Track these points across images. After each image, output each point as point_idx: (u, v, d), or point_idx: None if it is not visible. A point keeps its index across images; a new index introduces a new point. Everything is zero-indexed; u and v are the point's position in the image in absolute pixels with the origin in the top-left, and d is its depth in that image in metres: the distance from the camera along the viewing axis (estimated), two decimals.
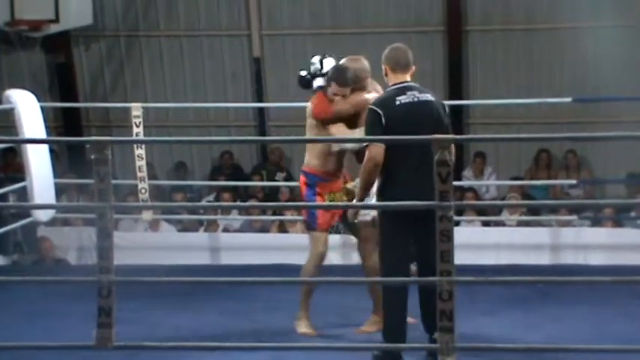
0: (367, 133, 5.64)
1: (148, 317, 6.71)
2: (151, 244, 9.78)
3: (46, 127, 8.71)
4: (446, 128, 5.58)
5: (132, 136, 8.71)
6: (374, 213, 6.05)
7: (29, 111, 8.40)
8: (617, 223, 9.96)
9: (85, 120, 13.75)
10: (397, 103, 5.59)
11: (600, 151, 12.46)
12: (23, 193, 8.49)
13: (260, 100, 13.11)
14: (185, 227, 10.81)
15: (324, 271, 6.28)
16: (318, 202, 6.24)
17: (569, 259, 8.79)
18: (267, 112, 13.17)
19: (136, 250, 9.14)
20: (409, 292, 5.57)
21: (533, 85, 12.27)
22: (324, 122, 6.23)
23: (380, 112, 5.57)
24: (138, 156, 8.81)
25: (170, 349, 5.68)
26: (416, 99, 5.63)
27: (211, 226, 10.53)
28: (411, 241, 5.60)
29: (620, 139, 11.12)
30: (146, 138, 9.76)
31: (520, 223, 10.01)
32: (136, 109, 8.76)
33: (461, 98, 12.49)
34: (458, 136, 6.53)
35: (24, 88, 8.96)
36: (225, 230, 10.54)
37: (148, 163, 9.08)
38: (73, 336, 5.50)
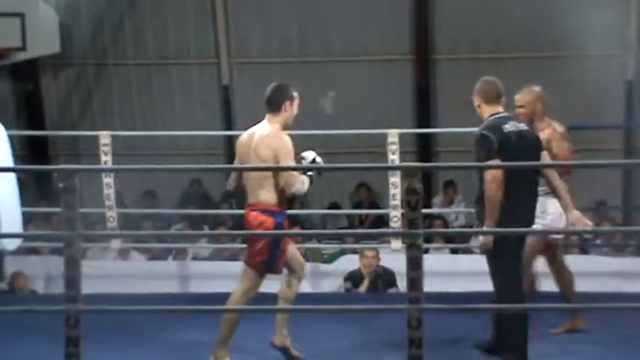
0: (481, 157, 5.84)
1: (117, 347, 6.66)
2: (119, 272, 9.74)
3: (14, 155, 8.66)
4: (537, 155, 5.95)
5: (100, 164, 8.68)
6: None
7: None
8: (584, 251, 10.04)
9: (53, 148, 13.71)
10: (504, 130, 5.87)
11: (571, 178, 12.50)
12: None
13: (229, 128, 13.11)
14: (154, 255, 10.77)
15: (302, 299, 6.26)
16: (288, 245, 6.14)
17: (539, 285, 8.81)
18: (236, 140, 13.16)
19: (105, 279, 9.08)
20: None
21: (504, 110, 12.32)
22: None
23: (492, 137, 5.81)
24: (106, 184, 8.78)
25: None
26: (518, 128, 5.94)
27: (180, 254, 10.49)
28: None
29: (591, 167, 11.18)
30: (114, 166, 9.72)
31: None
32: (105, 137, 8.74)
33: (429, 126, 12.54)
34: (425, 164, 6.59)
35: None
36: (195, 258, 10.50)
37: (116, 192, 9.05)
38: None
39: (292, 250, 6.27)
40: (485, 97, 6.07)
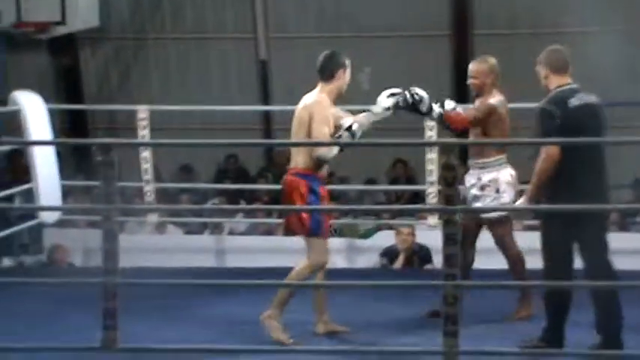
0: (542, 132, 5.57)
1: (154, 320, 6.71)
2: (156, 246, 9.79)
3: (53, 129, 8.73)
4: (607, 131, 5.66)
5: (138, 138, 8.72)
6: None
7: (36, 113, 8.42)
8: (623, 228, 9.95)
9: (92, 122, 13.77)
10: (570, 105, 5.57)
11: (608, 156, 12.41)
12: (29, 195, 8.51)
13: (266, 103, 13.11)
14: (190, 230, 10.81)
15: (338, 274, 6.27)
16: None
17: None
18: (272, 115, 13.18)
19: (142, 253, 9.13)
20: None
21: (539, 88, 12.25)
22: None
23: (554, 112, 5.55)
24: (143, 158, 8.82)
25: (176, 351, 5.69)
26: (585, 102, 5.63)
27: (217, 228, 10.53)
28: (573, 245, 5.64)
29: (627, 143, 11.08)
30: (152, 140, 9.76)
31: (526, 228, 10.00)
32: (142, 111, 8.78)
33: (466, 102, 12.47)
34: (463, 140, 6.56)
35: (30, 90, 8.98)
36: (231, 233, 10.54)
37: (153, 166, 9.09)
38: (78, 338, 5.50)
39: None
40: (553, 67, 5.73)
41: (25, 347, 5.49)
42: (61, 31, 12.69)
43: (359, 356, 5.77)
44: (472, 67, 6.68)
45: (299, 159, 6.07)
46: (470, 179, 6.66)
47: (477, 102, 6.70)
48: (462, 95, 12.71)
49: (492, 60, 6.71)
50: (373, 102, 6.45)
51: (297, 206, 5.98)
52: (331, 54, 6.22)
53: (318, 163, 6.06)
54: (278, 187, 6.56)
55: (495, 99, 6.67)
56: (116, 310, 4.77)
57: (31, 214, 9.08)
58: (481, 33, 12.82)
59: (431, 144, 6.40)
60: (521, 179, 11.41)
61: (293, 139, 6.17)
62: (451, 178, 4.65)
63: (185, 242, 10.08)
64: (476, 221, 6.65)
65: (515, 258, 6.65)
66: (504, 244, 6.67)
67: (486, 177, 6.59)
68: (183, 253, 9.42)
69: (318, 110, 6.03)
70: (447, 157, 4.69)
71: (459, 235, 4.69)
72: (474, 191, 6.63)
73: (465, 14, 12.74)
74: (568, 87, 5.68)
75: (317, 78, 6.20)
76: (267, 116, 13.28)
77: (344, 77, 6.18)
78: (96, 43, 13.62)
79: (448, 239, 4.66)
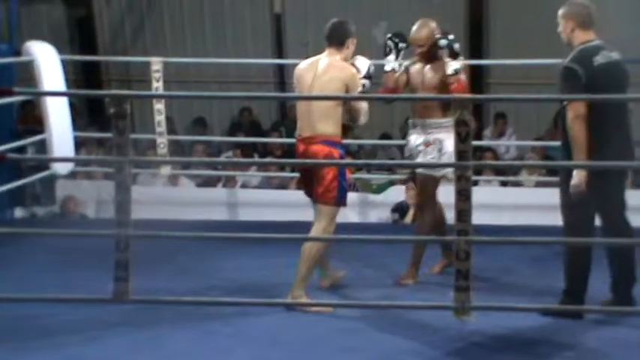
0: (566, 91, 5.42)
1: (165, 272, 6.73)
2: (169, 199, 9.81)
3: (66, 80, 8.71)
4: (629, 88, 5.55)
5: (151, 90, 8.71)
6: (445, 171, 6.25)
7: (49, 63, 8.40)
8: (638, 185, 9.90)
9: (105, 74, 13.75)
10: (595, 63, 5.45)
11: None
12: (42, 146, 8.51)
13: (280, 57, 13.07)
14: (204, 182, 10.82)
15: (342, 228, 6.27)
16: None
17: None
18: (287, 69, 13.13)
19: (154, 205, 9.15)
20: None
21: (557, 44, 12.18)
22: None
23: (579, 70, 5.41)
24: (157, 110, 8.80)
25: (187, 303, 5.71)
26: (609, 59, 5.51)
27: (230, 182, 10.53)
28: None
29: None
30: (165, 93, 9.74)
31: (539, 184, 9.98)
32: (156, 63, 8.75)
33: (481, 58, 12.42)
34: (477, 96, 6.52)
35: (44, 40, 8.95)
36: (244, 186, 10.55)
37: (167, 118, 9.08)
38: (90, 289, 5.53)
39: None
40: (579, 21, 5.55)
41: (36, 297, 5.52)
42: None
43: (371, 311, 5.79)
44: (415, 35, 6.42)
45: (325, 126, 5.94)
46: (417, 138, 6.51)
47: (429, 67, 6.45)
48: (477, 50, 12.68)
49: (432, 23, 6.44)
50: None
51: (312, 160, 5.95)
52: (341, 22, 6.13)
53: (346, 129, 6.05)
54: (291, 140, 6.53)
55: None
56: (128, 262, 4.78)
57: (43, 165, 9.09)
58: None
59: (444, 99, 6.35)
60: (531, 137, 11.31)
61: (311, 109, 5.99)
62: (464, 134, 4.63)
63: (198, 195, 10.08)
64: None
65: (427, 226, 6.50)
66: (430, 202, 6.53)
67: (432, 137, 6.44)
68: (196, 206, 9.45)
69: (352, 78, 5.98)
70: (460, 112, 4.67)
71: (470, 191, 4.67)
72: (420, 147, 6.51)
73: None
74: (593, 44, 5.56)
75: None
76: (281, 70, 13.23)
77: (352, 47, 6.12)
78: None
79: (461, 195, 4.65)
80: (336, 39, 6.08)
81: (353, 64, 6.09)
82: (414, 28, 6.47)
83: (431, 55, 6.41)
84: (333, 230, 5.99)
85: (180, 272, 6.78)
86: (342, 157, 6.02)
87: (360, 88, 6.03)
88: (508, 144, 11.88)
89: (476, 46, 12.71)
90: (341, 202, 5.97)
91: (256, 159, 11.24)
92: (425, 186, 6.50)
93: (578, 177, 5.41)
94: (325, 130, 5.95)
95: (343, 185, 5.96)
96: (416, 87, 6.48)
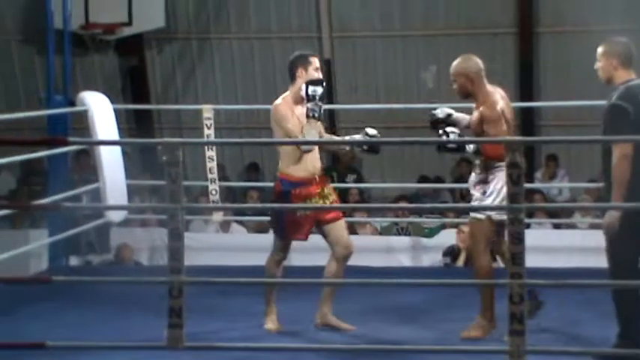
0: (615, 129, 5.34)
1: (219, 319, 6.75)
2: (221, 245, 9.84)
3: (119, 128, 8.81)
4: None
5: (203, 137, 8.78)
6: (489, 213, 6.10)
7: (102, 113, 8.51)
8: None
9: (157, 122, 13.89)
10: None
11: None
12: (96, 195, 8.60)
13: (330, 102, 13.13)
14: (256, 228, 10.84)
15: (403, 272, 6.25)
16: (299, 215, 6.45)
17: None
18: (337, 114, 13.18)
19: (207, 251, 9.19)
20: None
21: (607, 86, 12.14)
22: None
23: (629, 108, 5.35)
24: (209, 157, 8.87)
25: (240, 349, 5.71)
26: None
27: None
28: None
29: None
30: (217, 139, 9.82)
31: (592, 226, 9.90)
32: (207, 110, 8.83)
33: (531, 100, 12.39)
34: (528, 138, 6.49)
35: (97, 90, 9.08)
36: None
37: (219, 165, 9.14)
38: (145, 336, 5.55)
39: (335, 226, 6.38)
40: (622, 59, 5.46)
41: (93, 345, 5.55)
42: (128, 32, 12.85)
43: (424, 355, 5.75)
44: (453, 69, 6.35)
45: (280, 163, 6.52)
46: (472, 178, 6.44)
47: (475, 110, 6.30)
48: (527, 93, 12.66)
49: (474, 58, 6.36)
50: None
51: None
52: (293, 56, 6.42)
53: (300, 157, 6.51)
54: (343, 185, 6.56)
55: (493, 99, 6.27)
56: (182, 308, 4.80)
57: (98, 214, 9.17)
58: (546, 31, 12.72)
59: (496, 141, 6.32)
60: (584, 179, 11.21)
61: None
62: (516, 176, 4.61)
63: (250, 241, 10.10)
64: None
65: (483, 270, 6.24)
66: (478, 246, 6.30)
67: (479, 177, 6.35)
68: (248, 252, 9.45)
69: (276, 118, 6.38)
70: (512, 154, 4.65)
71: (523, 234, 4.64)
72: (470, 188, 6.45)
73: (530, 12, 12.65)
74: (636, 82, 5.49)
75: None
76: (331, 114, 13.28)
77: (305, 73, 6.32)
78: (162, 43, 13.74)
79: (513, 238, 4.62)
80: (290, 76, 6.37)
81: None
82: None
83: (465, 91, 6.31)
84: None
85: (233, 318, 6.79)
86: (283, 192, 6.39)
87: (287, 124, 6.34)
88: (558, 186, 11.81)
89: (526, 87, 12.69)
90: (276, 234, 6.50)
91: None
92: (473, 229, 6.42)
93: (610, 217, 5.37)
94: (280, 167, 6.47)
95: (280, 219, 6.44)
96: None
